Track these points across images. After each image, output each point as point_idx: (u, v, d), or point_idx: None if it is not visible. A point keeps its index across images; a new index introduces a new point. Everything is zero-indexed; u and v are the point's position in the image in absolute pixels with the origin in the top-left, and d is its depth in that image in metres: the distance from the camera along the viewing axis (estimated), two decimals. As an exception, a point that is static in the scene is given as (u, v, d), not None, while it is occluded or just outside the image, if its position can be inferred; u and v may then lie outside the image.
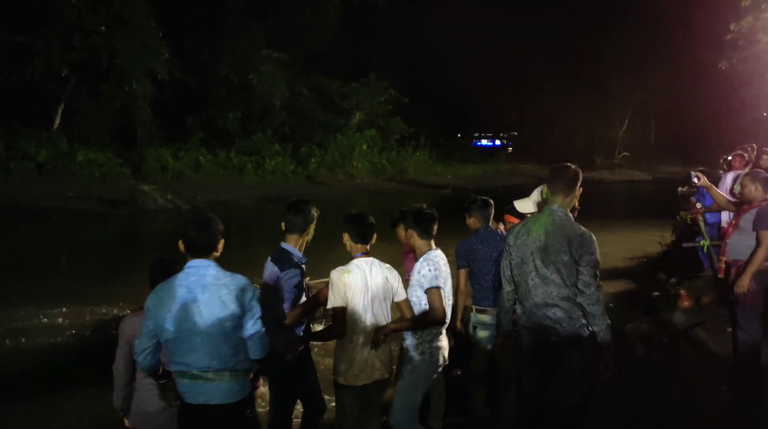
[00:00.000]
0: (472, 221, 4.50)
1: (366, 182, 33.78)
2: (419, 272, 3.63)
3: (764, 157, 8.31)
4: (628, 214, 20.10)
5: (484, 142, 59.89)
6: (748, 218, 4.66)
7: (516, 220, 4.82)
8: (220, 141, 30.53)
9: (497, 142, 59.76)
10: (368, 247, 3.60)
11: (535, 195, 4.37)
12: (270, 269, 3.63)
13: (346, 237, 3.62)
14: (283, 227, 3.81)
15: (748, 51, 16.27)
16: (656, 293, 7.78)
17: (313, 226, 3.87)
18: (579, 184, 3.45)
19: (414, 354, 3.65)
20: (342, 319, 3.42)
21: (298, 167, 32.80)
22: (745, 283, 4.43)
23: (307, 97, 34.97)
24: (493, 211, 4.52)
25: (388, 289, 3.57)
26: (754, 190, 4.68)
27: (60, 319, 7.74)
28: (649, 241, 11.48)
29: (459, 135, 54.24)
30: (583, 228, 3.26)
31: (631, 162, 48.66)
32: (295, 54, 34.75)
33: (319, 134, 34.49)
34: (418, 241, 3.75)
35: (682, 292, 6.76)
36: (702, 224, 6.89)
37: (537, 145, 48.20)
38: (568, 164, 3.54)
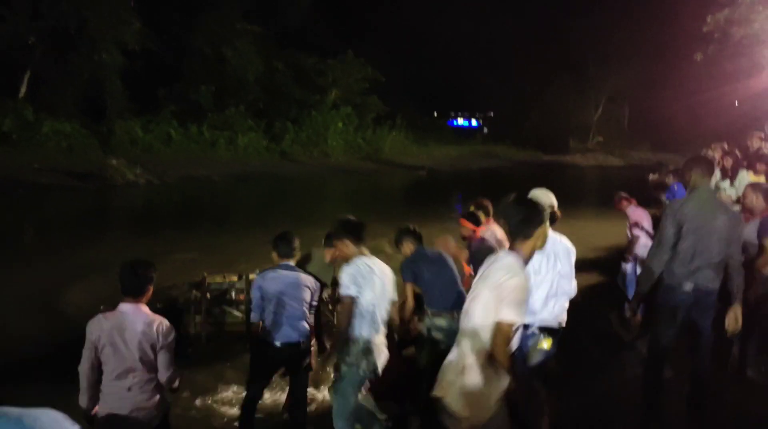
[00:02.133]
0: (406, 248, 4.58)
1: (340, 161, 33.53)
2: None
3: (755, 137, 8.46)
4: (601, 201, 20.19)
5: (460, 121, 59.88)
6: (751, 228, 4.61)
7: (471, 226, 4.84)
8: (192, 115, 29.89)
9: (474, 123, 59.80)
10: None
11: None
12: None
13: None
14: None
15: (724, 43, 16.47)
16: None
17: None
18: None
19: (342, 363, 3.71)
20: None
21: (272, 144, 32.38)
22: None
23: (282, 73, 34.44)
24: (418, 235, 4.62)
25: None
26: (755, 199, 4.71)
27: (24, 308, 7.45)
28: (617, 232, 11.49)
29: (435, 114, 54.13)
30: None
31: (605, 147, 49.19)
32: (271, 28, 34.10)
33: (293, 111, 34.04)
34: (351, 249, 3.74)
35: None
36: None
37: (513, 126, 48.34)
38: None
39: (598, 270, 8.93)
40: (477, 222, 4.98)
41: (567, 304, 3.78)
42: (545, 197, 3.84)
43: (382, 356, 3.77)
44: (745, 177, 7.22)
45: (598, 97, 49.81)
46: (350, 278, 3.58)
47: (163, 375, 3.15)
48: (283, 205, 19.12)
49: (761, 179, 7.29)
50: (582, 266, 9.26)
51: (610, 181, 31.14)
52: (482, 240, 4.79)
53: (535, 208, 2.74)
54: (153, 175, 22.63)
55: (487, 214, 5.18)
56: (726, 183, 7.69)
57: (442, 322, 4.27)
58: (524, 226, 2.67)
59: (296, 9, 35.57)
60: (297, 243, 4.16)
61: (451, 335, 4.25)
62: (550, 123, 46.55)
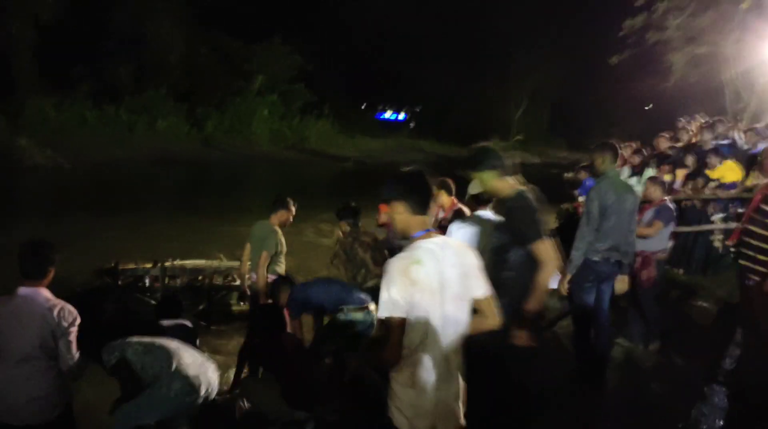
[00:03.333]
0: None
1: (265, 149, 32.91)
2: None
3: (661, 138, 8.96)
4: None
5: (388, 114, 60.09)
6: (649, 215, 5.49)
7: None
8: (109, 96, 28.44)
9: (401, 116, 60.17)
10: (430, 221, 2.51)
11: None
12: None
13: (399, 208, 2.40)
14: None
15: (639, 48, 17.33)
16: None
17: None
18: None
19: None
20: (400, 337, 2.27)
21: (193, 129, 31.35)
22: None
23: (205, 56, 33.37)
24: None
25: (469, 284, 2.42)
26: (653, 191, 5.54)
27: None
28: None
29: (363, 106, 54.11)
30: None
31: (525, 144, 50.74)
32: (195, 9, 32.86)
33: (217, 96, 33.05)
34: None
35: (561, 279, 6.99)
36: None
37: (438, 122, 49.05)
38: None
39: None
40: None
41: None
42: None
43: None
44: (651, 173, 7.63)
45: (519, 96, 51.26)
46: None
47: (64, 363, 2.98)
48: (202, 191, 18.62)
49: (667, 177, 7.73)
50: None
51: (529, 177, 32.18)
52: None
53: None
54: (65, 157, 21.43)
55: (449, 193, 5.30)
56: (634, 179, 8.10)
57: (358, 316, 4.31)
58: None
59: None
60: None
61: (368, 329, 4.33)
62: (473, 120, 47.51)
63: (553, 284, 6.84)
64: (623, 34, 16.84)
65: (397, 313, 2.21)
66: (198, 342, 4.37)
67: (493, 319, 2.45)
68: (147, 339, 3.63)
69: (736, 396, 4.38)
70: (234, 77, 34.36)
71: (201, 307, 6.45)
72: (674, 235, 6.45)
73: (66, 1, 26.31)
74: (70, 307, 3.00)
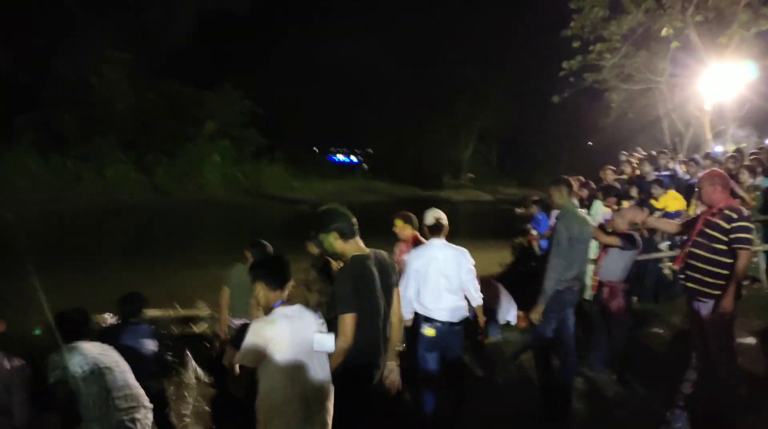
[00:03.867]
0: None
1: (218, 195, 32.57)
2: None
3: (607, 171, 9.26)
4: (473, 234, 21.16)
5: (340, 157, 60.55)
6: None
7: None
8: (55, 145, 27.83)
9: (353, 159, 60.71)
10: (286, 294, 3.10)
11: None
12: None
13: (258, 288, 3.03)
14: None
15: (579, 87, 18.06)
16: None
17: None
18: None
19: None
20: (245, 380, 2.90)
21: (142, 176, 30.81)
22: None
23: (154, 103, 33.11)
24: None
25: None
26: (621, 223, 5.56)
27: None
28: (490, 261, 12.09)
29: (316, 149, 54.42)
30: None
31: (476, 183, 51.77)
32: (144, 56, 32.74)
33: (167, 142, 32.71)
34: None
35: (520, 313, 7.08)
36: (537, 249, 7.42)
37: (391, 163, 49.68)
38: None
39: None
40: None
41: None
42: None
43: None
44: (599, 206, 7.88)
45: (468, 136, 52.53)
46: None
47: (18, 420, 2.84)
48: (154, 239, 18.20)
49: (613, 208, 7.98)
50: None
51: (483, 214, 32.82)
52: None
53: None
54: (8, 209, 20.64)
55: (414, 227, 5.36)
56: (583, 212, 8.34)
57: None
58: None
59: (172, 38, 34.55)
60: None
61: None
62: (425, 160, 48.44)
63: (512, 319, 6.98)
64: (563, 75, 17.54)
65: (245, 362, 2.84)
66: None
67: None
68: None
69: (695, 420, 4.47)
70: (184, 123, 34.18)
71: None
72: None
73: (8, 48, 25.82)
74: (19, 360, 2.88)
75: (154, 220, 23.25)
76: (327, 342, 2.93)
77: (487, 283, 6.83)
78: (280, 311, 2.94)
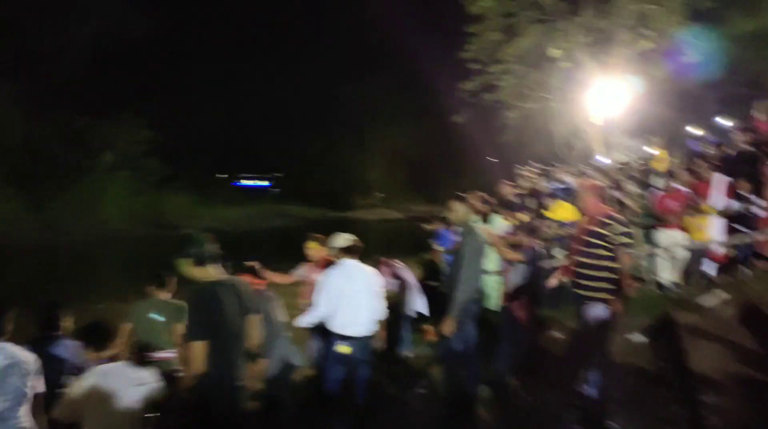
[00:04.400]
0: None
1: (119, 228, 31.06)
2: None
3: (504, 186, 9.63)
4: (386, 251, 21.24)
5: (249, 182, 59.57)
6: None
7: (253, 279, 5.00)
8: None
9: (263, 183, 59.89)
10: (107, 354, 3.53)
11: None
12: None
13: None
14: None
15: (478, 107, 18.83)
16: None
17: None
18: None
19: None
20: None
21: (33, 214, 28.88)
22: None
23: (48, 136, 31.24)
24: None
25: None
26: (525, 239, 6.02)
27: None
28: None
29: (225, 175, 53.28)
30: None
31: (386, 202, 52.41)
32: (36, 85, 30.80)
33: (61, 176, 30.91)
34: None
35: (426, 327, 7.18)
36: (442, 264, 7.61)
37: (301, 186, 49.42)
38: None
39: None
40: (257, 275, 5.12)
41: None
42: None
43: None
44: (498, 220, 8.20)
45: (378, 156, 53.23)
46: None
47: None
48: (48, 279, 17.05)
49: (512, 222, 8.32)
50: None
51: (393, 232, 33.21)
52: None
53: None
54: None
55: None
56: (487, 224, 8.65)
57: None
58: None
59: (65, 65, 32.72)
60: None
61: None
62: (335, 181, 48.57)
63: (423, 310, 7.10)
64: (462, 95, 18.23)
65: (61, 416, 3.24)
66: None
67: None
68: None
69: (593, 419, 4.69)
70: (80, 155, 32.44)
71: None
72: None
73: None
74: None
75: (47, 260, 21.81)
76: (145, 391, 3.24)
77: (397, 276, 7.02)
78: (99, 369, 3.34)
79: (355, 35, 50.44)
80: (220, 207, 41.09)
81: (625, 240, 4.34)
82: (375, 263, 6.07)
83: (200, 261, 3.29)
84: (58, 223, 29.05)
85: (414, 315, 7.20)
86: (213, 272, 3.32)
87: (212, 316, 3.14)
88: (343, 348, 4.51)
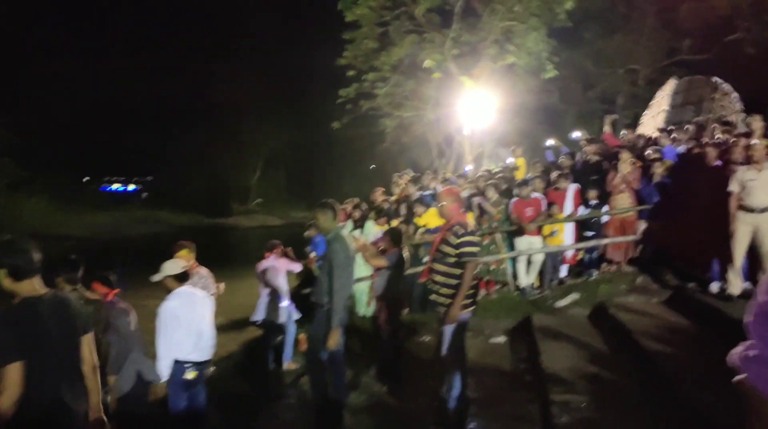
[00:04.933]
0: None
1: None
2: None
3: (377, 193, 9.78)
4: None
5: (115, 186, 56.18)
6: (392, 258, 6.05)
7: (103, 289, 4.72)
8: None
9: (130, 187, 56.71)
10: None
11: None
12: None
13: None
14: None
15: (356, 114, 18.98)
16: (280, 338, 8.13)
17: None
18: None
19: None
20: None
21: None
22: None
23: None
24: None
25: None
26: (390, 245, 6.13)
27: None
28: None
29: (87, 179, 49.77)
30: None
31: (265, 208, 51.45)
32: None
33: None
34: None
35: (301, 336, 7.15)
36: (316, 271, 7.57)
37: (174, 190, 47.23)
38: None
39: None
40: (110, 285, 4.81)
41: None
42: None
43: None
44: (371, 226, 8.30)
45: (255, 161, 52.17)
46: None
47: None
48: None
49: (384, 227, 8.45)
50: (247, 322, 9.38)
51: (273, 239, 32.64)
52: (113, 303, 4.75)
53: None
54: None
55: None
56: (357, 232, 8.74)
57: None
58: None
59: None
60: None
61: None
62: (211, 186, 46.91)
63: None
64: (340, 102, 18.32)
65: None
66: None
67: None
68: None
69: (453, 420, 4.85)
70: None
71: None
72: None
73: None
74: None
75: None
76: None
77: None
78: None
79: (230, 32, 49.40)
80: (85, 212, 38.19)
81: (470, 249, 4.48)
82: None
83: (20, 273, 2.87)
84: None
85: (282, 323, 7.10)
86: (34, 286, 2.92)
87: (29, 336, 2.80)
88: (190, 374, 4.41)
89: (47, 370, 2.84)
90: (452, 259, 4.51)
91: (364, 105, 18.72)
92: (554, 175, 8.83)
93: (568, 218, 8.31)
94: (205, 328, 4.54)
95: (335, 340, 4.71)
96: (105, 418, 3.13)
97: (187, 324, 4.41)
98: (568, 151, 10.79)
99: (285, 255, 7.34)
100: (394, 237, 6.26)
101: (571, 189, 8.43)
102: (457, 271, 4.49)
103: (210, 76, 45.59)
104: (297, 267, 7.52)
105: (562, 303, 7.66)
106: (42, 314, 2.87)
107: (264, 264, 7.12)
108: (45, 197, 35.56)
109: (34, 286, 2.91)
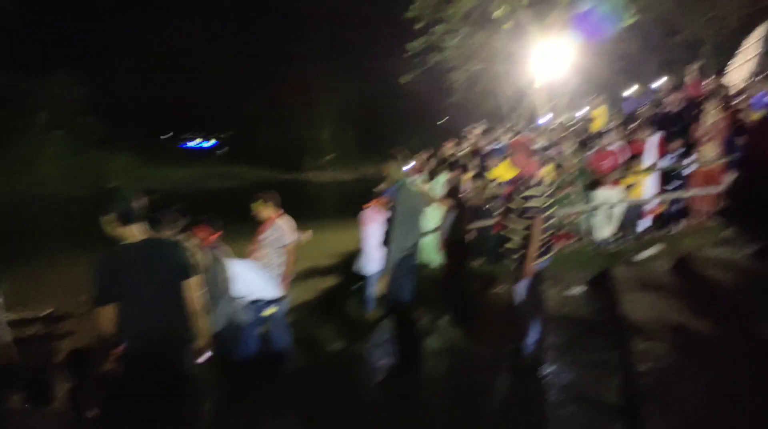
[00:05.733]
0: None
1: (58, 190, 29.92)
2: None
3: (447, 146, 9.74)
4: (337, 214, 21.20)
5: (194, 143, 58.04)
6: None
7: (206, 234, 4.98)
8: None
9: (209, 144, 58.46)
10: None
11: None
12: None
13: None
14: None
15: (424, 67, 18.72)
16: (355, 286, 8.37)
17: None
18: None
19: None
20: None
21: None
22: None
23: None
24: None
25: None
26: (461, 196, 6.36)
27: None
28: (354, 239, 12.22)
29: (170, 134, 51.77)
30: None
31: (337, 163, 52.06)
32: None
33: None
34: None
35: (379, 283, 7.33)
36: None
37: (249, 146, 48.48)
38: None
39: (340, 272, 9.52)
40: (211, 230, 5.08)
41: None
42: None
43: None
44: (442, 178, 8.34)
45: (326, 117, 52.57)
46: None
47: None
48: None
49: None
50: (319, 273, 9.73)
51: (344, 194, 33.16)
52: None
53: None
54: None
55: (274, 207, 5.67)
56: (432, 182, 8.81)
57: None
58: None
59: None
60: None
61: None
62: (284, 142, 47.79)
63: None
64: (408, 56, 18.07)
65: None
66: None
67: None
68: None
69: (528, 365, 4.93)
70: (11, 115, 30.86)
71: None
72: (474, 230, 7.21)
73: None
74: None
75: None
76: None
77: None
78: None
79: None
80: (166, 168, 40.00)
81: (534, 205, 4.46)
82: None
83: (125, 218, 3.12)
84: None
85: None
86: (138, 231, 3.17)
87: (128, 278, 3.00)
88: (269, 310, 4.76)
89: (144, 311, 3.06)
90: (522, 212, 4.55)
91: (433, 58, 18.42)
92: (634, 125, 8.53)
93: (648, 170, 8.05)
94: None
95: (383, 284, 4.93)
96: (208, 351, 3.40)
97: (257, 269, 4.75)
98: (648, 100, 10.36)
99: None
100: (467, 189, 6.33)
101: (653, 139, 8.13)
102: (527, 224, 4.52)
103: (282, 33, 45.96)
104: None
105: (642, 256, 7.50)
106: (136, 258, 3.09)
107: (368, 214, 7.28)
108: (128, 154, 37.40)
109: (137, 232, 3.16)
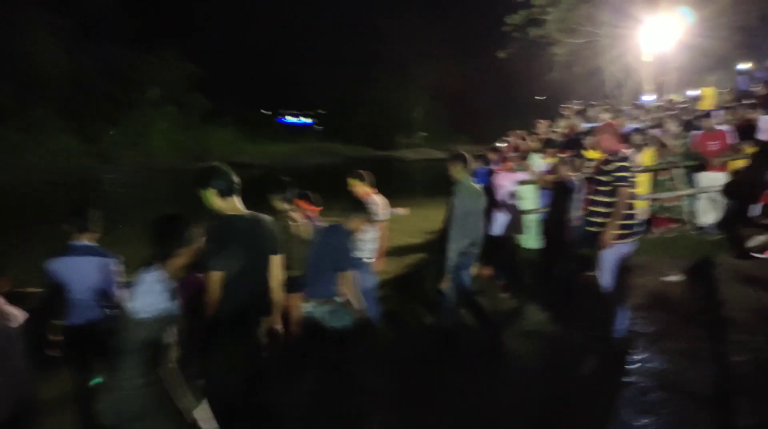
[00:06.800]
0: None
1: (167, 162, 31.92)
2: None
3: (540, 125, 9.57)
4: (429, 192, 21.23)
5: (292, 118, 59.69)
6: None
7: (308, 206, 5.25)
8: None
9: (306, 120, 59.95)
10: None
11: None
12: None
13: None
14: None
15: (523, 42, 18.30)
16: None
17: None
18: None
19: None
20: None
21: (87, 146, 29.86)
22: None
23: (92, 69, 31.80)
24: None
25: None
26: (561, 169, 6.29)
27: None
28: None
29: (269, 112, 53.53)
30: None
31: (429, 141, 51.96)
32: (74, 19, 31.02)
33: (109, 110, 31.65)
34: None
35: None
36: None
37: (343, 123, 49.37)
38: None
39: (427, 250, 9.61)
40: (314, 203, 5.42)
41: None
42: None
43: None
44: (536, 158, 8.20)
45: (419, 94, 52.45)
46: None
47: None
48: (105, 210, 17.79)
49: (551, 160, 8.29)
50: (415, 248, 9.86)
51: (437, 172, 33.11)
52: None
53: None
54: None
55: (368, 184, 5.75)
56: (527, 161, 8.68)
57: None
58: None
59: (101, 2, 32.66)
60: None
61: None
62: (377, 120, 48.26)
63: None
64: (507, 30, 17.71)
65: None
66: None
67: None
68: None
69: (616, 350, 4.86)
70: (126, 90, 33.05)
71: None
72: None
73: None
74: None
75: (102, 191, 22.74)
76: None
77: None
78: None
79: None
80: (264, 143, 41.58)
81: (624, 174, 4.43)
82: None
83: (225, 193, 3.32)
84: (109, 156, 30.04)
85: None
86: (236, 205, 3.37)
87: (231, 248, 3.22)
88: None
89: (240, 280, 3.27)
90: (608, 188, 4.52)
91: (532, 32, 17.95)
92: (747, 103, 7.99)
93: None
94: None
95: (444, 283, 5.10)
96: (279, 328, 3.59)
97: None
98: (763, 76, 9.63)
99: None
100: (566, 167, 6.24)
101: (765, 120, 7.60)
102: (613, 200, 4.49)
103: (378, 10, 46.11)
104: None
105: (749, 244, 7.09)
106: (241, 229, 3.32)
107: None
108: (231, 129, 39.13)
109: (236, 205, 3.38)
